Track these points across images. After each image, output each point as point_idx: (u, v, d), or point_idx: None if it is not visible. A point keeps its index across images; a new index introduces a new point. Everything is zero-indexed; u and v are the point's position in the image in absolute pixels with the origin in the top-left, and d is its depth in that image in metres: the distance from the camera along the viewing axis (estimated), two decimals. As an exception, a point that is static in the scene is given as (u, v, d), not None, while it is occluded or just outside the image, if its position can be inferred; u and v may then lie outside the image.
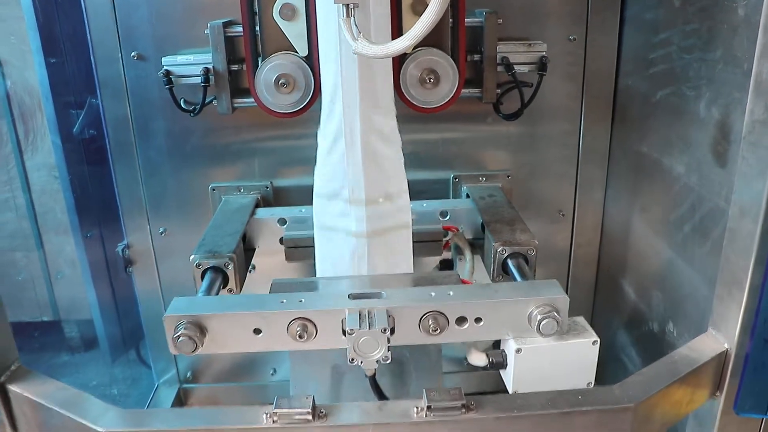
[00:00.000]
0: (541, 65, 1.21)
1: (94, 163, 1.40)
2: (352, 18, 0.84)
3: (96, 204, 1.43)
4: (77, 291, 1.64)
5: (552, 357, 0.90)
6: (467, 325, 0.87)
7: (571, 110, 1.36)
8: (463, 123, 1.35)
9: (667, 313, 1.18)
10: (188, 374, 1.54)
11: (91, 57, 1.25)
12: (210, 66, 1.15)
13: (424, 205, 1.23)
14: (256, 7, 1.05)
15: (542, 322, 0.86)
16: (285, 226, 1.20)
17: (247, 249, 1.18)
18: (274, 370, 1.53)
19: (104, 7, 1.22)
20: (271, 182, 1.35)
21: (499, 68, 1.20)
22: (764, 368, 0.87)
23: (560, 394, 0.83)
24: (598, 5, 1.28)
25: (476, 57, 1.20)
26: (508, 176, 1.37)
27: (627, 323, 1.38)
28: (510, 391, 0.92)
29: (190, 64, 1.17)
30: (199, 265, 1.03)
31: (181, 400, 1.54)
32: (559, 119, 1.36)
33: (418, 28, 0.80)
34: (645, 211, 1.28)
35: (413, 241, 1.08)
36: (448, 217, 1.23)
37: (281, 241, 1.20)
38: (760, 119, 0.78)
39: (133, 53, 1.25)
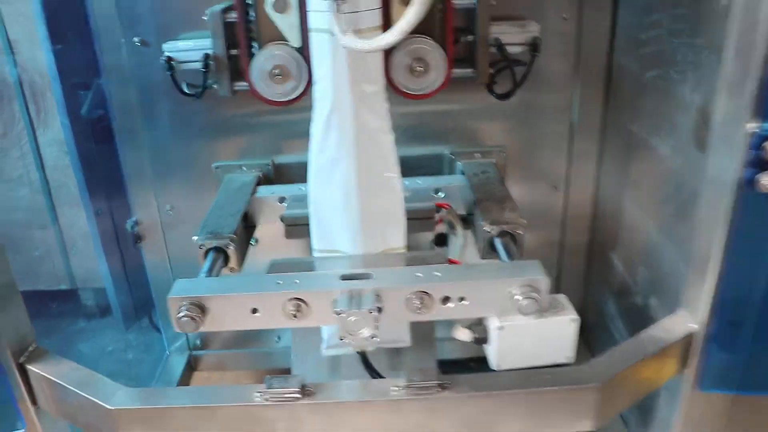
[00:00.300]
0: (534, 45, 1.23)
1: (102, 142, 1.44)
2: (341, 12, 0.87)
3: (105, 181, 1.48)
4: (91, 262, 1.69)
5: (532, 334, 0.95)
6: (451, 304, 0.91)
7: (565, 86, 1.38)
8: (459, 98, 1.37)
9: (650, 288, 1.22)
10: (197, 342, 1.62)
11: (95, 44, 1.28)
12: (210, 51, 1.18)
13: (419, 182, 1.27)
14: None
15: (522, 302, 0.90)
16: (285, 203, 1.24)
17: (248, 226, 1.23)
18: (279, 338, 1.61)
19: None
20: (272, 160, 1.39)
21: (493, 49, 1.21)
22: (728, 348, 0.92)
23: (532, 374, 0.89)
24: None
25: (469, 38, 1.21)
26: (503, 152, 1.40)
27: (615, 294, 1.43)
28: (493, 366, 0.98)
29: (190, 49, 1.19)
30: (202, 246, 1.09)
31: (191, 366, 1.63)
32: (553, 95, 1.39)
33: (403, 24, 0.84)
34: (635, 187, 1.31)
35: (407, 219, 1.12)
36: (441, 194, 1.27)
37: (282, 218, 1.25)
38: (730, 113, 0.82)
39: (136, 39, 1.28)
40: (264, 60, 1.11)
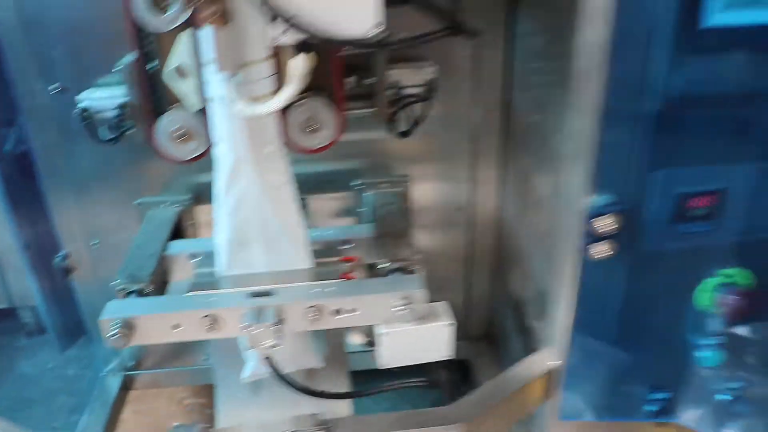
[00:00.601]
0: (431, 86, 1.44)
1: (29, 177, 1.58)
2: (233, 82, 1.05)
3: (34, 213, 1.64)
4: (27, 284, 1.84)
5: (413, 338, 1.22)
6: (343, 315, 1.18)
7: (466, 118, 1.64)
8: (367, 129, 1.58)
9: (538, 313, 1.44)
10: (131, 363, 1.85)
11: (12, 91, 1.44)
12: (125, 100, 1.29)
13: (326, 234, 1.44)
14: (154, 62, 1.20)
15: (402, 312, 1.18)
16: (197, 260, 1.39)
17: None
18: (207, 356, 1.83)
19: (20, 43, 1.41)
20: (193, 195, 1.60)
21: (392, 91, 1.42)
22: (582, 381, 1.20)
23: (405, 415, 1.19)
24: (487, 21, 1.53)
25: (369, 80, 1.40)
26: (408, 181, 1.66)
27: (513, 312, 1.67)
28: (382, 366, 1.24)
29: (105, 99, 1.32)
30: (120, 291, 1.28)
31: (126, 386, 1.84)
32: (454, 125, 1.65)
33: (283, 96, 1.06)
34: (527, 216, 1.55)
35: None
36: (349, 245, 1.43)
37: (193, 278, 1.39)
38: (575, 182, 1.09)
39: (53, 86, 1.45)
40: (167, 122, 1.23)
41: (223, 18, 0.97)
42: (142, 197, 1.62)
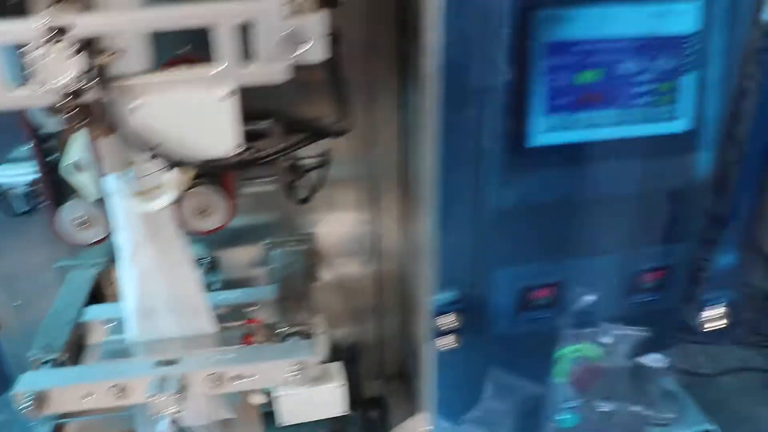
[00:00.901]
0: (325, 157, 1.58)
1: None
2: (123, 179, 1.15)
3: None
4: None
5: (308, 398, 1.36)
6: (243, 379, 1.32)
7: (367, 178, 1.78)
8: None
9: None
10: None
11: None
12: (34, 177, 1.36)
13: (231, 297, 1.51)
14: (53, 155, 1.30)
15: (295, 376, 1.32)
16: (110, 326, 1.45)
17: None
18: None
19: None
20: (110, 255, 1.61)
21: (289, 161, 1.55)
22: None
23: None
24: (377, 93, 1.66)
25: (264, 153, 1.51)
26: (312, 238, 1.78)
27: (416, 361, 1.70)
28: (282, 424, 1.40)
29: (16, 175, 1.38)
30: (35, 361, 1.36)
31: None
32: (354, 188, 1.80)
33: (164, 202, 1.17)
34: (417, 274, 1.59)
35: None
36: (254, 307, 1.51)
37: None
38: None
39: None
40: (67, 212, 1.33)
41: (108, 130, 1.06)
42: (61, 259, 1.69)
